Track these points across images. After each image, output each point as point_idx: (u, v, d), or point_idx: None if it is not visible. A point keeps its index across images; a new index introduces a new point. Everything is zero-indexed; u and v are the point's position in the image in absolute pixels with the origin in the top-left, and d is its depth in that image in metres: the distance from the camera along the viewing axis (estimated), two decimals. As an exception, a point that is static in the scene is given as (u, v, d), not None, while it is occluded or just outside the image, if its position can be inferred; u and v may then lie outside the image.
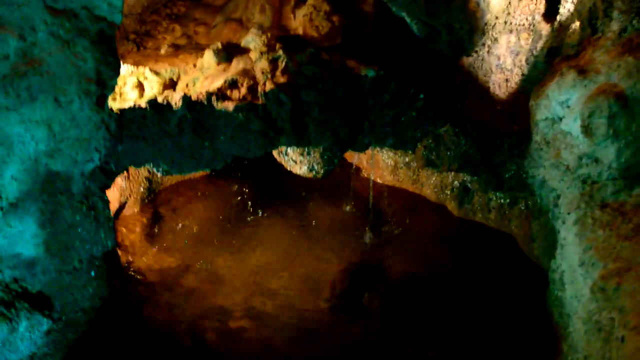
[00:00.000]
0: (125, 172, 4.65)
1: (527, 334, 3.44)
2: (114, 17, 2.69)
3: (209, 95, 3.23)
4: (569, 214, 3.06)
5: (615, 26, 2.99)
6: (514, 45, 3.81)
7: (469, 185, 4.58)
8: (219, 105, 3.22)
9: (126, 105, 3.12)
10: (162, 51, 3.98)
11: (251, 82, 3.36)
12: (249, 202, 5.08)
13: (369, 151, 5.15)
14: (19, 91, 2.54)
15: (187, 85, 3.50)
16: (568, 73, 3.04)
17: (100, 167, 3.09)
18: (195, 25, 4.20)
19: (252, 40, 3.53)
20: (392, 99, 3.64)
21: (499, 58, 3.90)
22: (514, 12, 3.74)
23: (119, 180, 4.64)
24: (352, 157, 5.64)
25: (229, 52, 3.52)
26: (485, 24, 3.85)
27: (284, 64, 3.38)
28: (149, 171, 4.93)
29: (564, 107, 3.10)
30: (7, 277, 2.87)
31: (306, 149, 3.75)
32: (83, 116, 2.80)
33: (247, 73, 3.40)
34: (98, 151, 2.99)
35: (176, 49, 4.04)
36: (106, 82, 2.81)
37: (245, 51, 3.54)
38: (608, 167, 2.89)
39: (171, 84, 3.55)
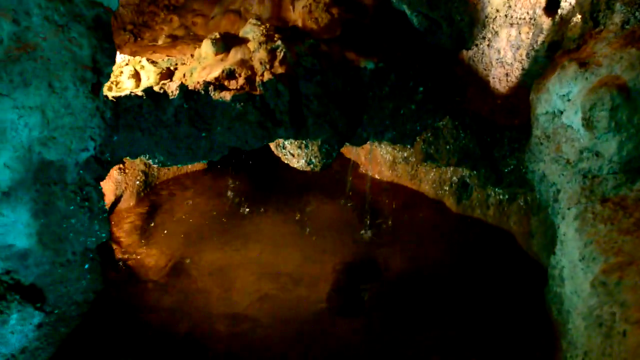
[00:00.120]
0: (121, 164, 4.61)
1: (526, 332, 3.42)
2: (110, 3, 2.65)
3: (206, 84, 3.19)
4: (569, 208, 3.03)
5: (617, 18, 2.96)
6: (515, 39, 3.78)
7: (467, 180, 4.55)
8: (216, 95, 3.18)
9: (122, 94, 3.08)
10: (160, 42, 3.94)
11: (249, 72, 3.32)
12: (246, 198, 5.04)
13: (367, 146, 5.13)
14: (12, 76, 2.49)
15: (184, 75, 3.46)
16: (569, 66, 3.01)
17: (95, 157, 3.03)
18: (194, 17, 4.17)
19: (251, 31, 3.49)
20: (391, 91, 3.61)
21: (499, 52, 3.87)
22: (515, 5, 3.71)
23: (115, 173, 4.61)
24: (349, 152, 5.61)
25: (227, 42, 3.48)
26: (486, 16, 3.82)
27: (282, 54, 3.34)
28: (145, 164, 4.89)
29: (564, 100, 3.07)
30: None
31: (304, 142, 3.71)
32: (78, 103, 2.75)
33: (245, 63, 3.36)
34: (93, 140, 2.94)
35: (174, 40, 4.00)
36: (102, 69, 2.76)
37: (243, 41, 3.50)
38: (609, 160, 2.86)
39: (168, 74, 3.51)
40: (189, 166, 5.31)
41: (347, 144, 3.92)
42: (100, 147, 3.02)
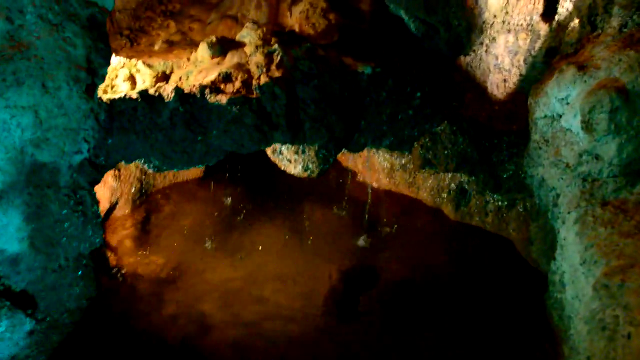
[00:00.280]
0: (116, 171, 4.57)
1: (526, 339, 3.38)
2: (105, 3, 2.64)
3: (202, 88, 3.17)
4: (569, 213, 3.00)
5: (615, 22, 2.97)
6: (512, 45, 3.78)
7: (466, 186, 4.51)
8: (212, 99, 3.16)
9: (117, 96, 3.05)
10: (156, 47, 3.93)
11: (245, 75, 3.30)
12: (243, 206, 5.00)
13: (364, 155, 5.10)
14: (5, 75, 2.47)
15: (180, 78, 3.44)
16: (568, 69, 3.01)
17: (89, 160, 3.00)
18: (190, 22, 4.16)
19: (248, 34, 3.48)
20: (388, 96, 3.60)
21: (497, 58, 3.88)
22: (512, 11, 3.72)
23: (110, 180, 4.56)
24: (347, 161, 5.58)
25: (224, 46, 3.47)
26: (484, 22, 3.83)
27: (279, 58, 3.33)
28: (141, 171, 4.85)
29: (563, 104, 3.06)
30: (-10, 274, 2.76)
31: (301, 147, 3.68)
32: (71, 104, 2.72)
33: (241, 67, 3.34)
34: (87, 142, 2.90)
35: (170, 45, 3.99)
36: (96, 70, 2.74)
37: (240, 45, 3.48)
38: (609, 163, 2.84)
39: (164, 77, 3.49)
40: (185, 174, 5.28)
41: (345, 150, 3.89)
42: (94, 149, 2.98)
